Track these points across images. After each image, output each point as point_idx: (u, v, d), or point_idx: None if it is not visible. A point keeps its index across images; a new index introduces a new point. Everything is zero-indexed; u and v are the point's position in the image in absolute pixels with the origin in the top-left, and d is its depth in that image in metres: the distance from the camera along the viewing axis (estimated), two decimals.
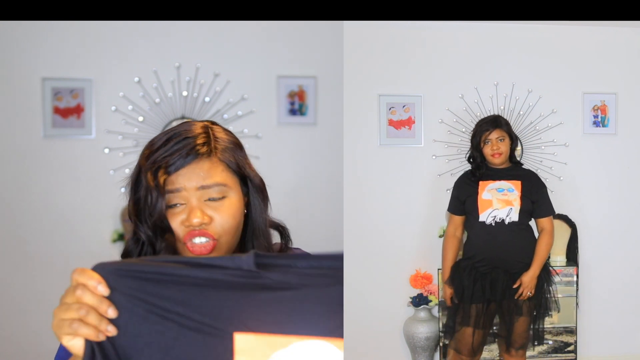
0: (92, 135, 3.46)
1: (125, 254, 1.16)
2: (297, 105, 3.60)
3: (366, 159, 3.55)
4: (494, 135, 2.85)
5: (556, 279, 3.34)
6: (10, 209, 3.40)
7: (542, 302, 2.79)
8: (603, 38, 3.61)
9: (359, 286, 3.46)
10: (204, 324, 0.84)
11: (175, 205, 1.12)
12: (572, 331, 3.37)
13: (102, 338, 0.85)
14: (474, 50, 3.58)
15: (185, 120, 1.24)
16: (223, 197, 1.13)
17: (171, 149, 1.11)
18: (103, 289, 0.85)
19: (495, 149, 2.83)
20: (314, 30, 3.55)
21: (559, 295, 3.36)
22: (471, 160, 2.96)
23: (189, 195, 1.11)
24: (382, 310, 3.54)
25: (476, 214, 2.80)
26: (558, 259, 3.52)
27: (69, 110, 3.44)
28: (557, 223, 3.54)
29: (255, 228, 1.21)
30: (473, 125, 3.57)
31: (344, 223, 3.45)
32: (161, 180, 1.10)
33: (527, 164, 3.62)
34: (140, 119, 3.48)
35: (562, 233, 3.53)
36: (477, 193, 2.82)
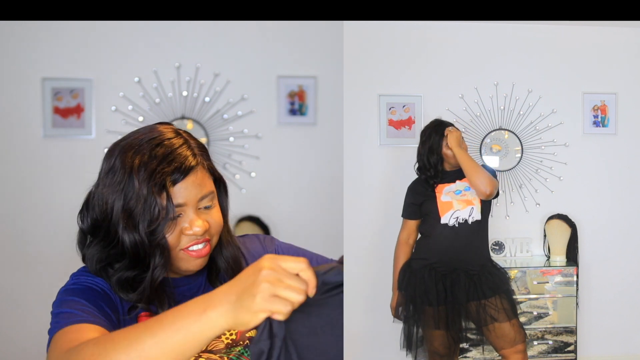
0: (92, 135, 3.46)
1: (99, 260, 1.16)
2: (297, 105, 3.60)
3: (366, 159, 3.55)
4: None
5: (556, 278, 3.36)
6: (10, 209, 3.40)
7: (509, 301, 2.72)
8: (603, 38, 3.61)
9: (358, 286, 3.47)
10: None
11: (177, 216, 1.16)
12: (572, 331, 3.37)
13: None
14: (474, 50, 3.58)
15: (155, 125, 1.23)
16: (214, 204, 1.21)
17: (166, 160, 1.13)
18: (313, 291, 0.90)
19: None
20: (314, 30, 3.55)
21: (559, 295, 3.36)
22: (426, 168, 2.80)
23: (189, 207, 1.16)
24: (381, 310, 3.54)
25: (437, 216, 2.74)
26: (558, 259, 3.52)
27: (69, 110, 3.45)
28: (557, 223, 3.55)
29: (226, 223, 1.29)
30: (473, 126, 3.59)
31: (344, 223, 3.44)
32: (170, 192, 1.12)
33: (527, 164, 3.63)
34: (140, 119, 3.47)
35: (562, 233, 3.53)
36: (435, 197, 2.76)
